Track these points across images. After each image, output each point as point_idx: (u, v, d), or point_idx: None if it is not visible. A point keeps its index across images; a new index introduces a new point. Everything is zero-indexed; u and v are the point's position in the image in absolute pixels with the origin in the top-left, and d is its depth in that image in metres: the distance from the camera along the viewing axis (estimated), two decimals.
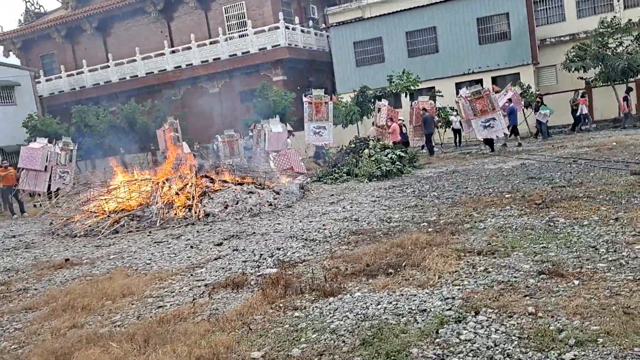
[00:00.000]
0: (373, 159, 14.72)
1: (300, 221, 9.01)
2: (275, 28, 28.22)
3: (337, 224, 8.24)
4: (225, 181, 12.36)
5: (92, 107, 28.57)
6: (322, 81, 29.52)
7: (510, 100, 19.34)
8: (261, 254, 6.80)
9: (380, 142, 15.91)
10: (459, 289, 4.57)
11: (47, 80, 35.48)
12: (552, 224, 6.47)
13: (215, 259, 6.86)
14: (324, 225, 8.32)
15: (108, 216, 10.76)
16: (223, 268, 6.39)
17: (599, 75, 21.30)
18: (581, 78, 21.90)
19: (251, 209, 10.59)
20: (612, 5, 24.65)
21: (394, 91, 23.18)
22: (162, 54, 31.29)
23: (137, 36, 32.91)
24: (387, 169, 14.02)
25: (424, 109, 18.94)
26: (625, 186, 8.18)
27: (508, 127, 18.38)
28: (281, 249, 6.97)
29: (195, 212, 10.39)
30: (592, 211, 6.81)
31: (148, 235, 9.51)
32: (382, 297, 4.57)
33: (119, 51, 33.29)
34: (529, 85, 22.28)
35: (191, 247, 7.89)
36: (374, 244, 6.49)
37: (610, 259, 4.90)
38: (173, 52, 31.07)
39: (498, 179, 11.04)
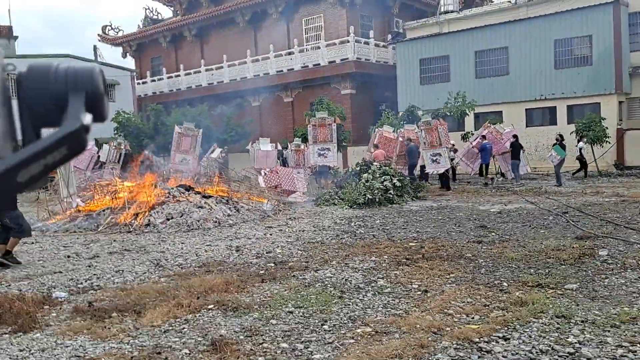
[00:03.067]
0: (368, 184, 14.06)
1: (207, 243, 8.91)
2: (345, 42, 28.11)
3: (216, 251, 8.03)
4: (198, 192, 12.61)
5: (181, 108, 30.75)
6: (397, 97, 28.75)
7: (484, 137, 18.03)
8: (93, 275, 6.84)
9: (385, 167, 15.10)
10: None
11: (151, 81, 38.96)
12: (373, 284, 5.70)
13: (55, 273, 7.04)
14: (205, 250, 8.15)
15: (73, 214, 11.53)
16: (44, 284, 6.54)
17: None
18: None
19: (192, 223, 10.68)
20: None
21: (448, 113, 21.85)
22: (245, 62, 32.70)
23: (227, 44, 34.74)
24: (371, 197, 13.28)
25: (409, 138, 17.50)
26: (543, 253, 6.93)
27: (481, 165, 17.90)
28: (119, 272, 6.95)
29: (138, 221, 10.74)
30: (434, 276, 5.87)
31: (77, 238, 10.04)
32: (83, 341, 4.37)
33: (212, 58, 35.45)
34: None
35: (68, 257, 8.17)
36: (187, 280, 6.21)
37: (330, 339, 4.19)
38: (253, 61, 32.32)
39: (444, 222, 9.97)
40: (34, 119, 0.63)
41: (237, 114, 30.74)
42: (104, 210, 11.35)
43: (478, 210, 11.74)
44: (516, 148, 17.39)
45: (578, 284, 5.41)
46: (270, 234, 9.42)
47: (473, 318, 4.48)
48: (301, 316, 4.69)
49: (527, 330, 4.12)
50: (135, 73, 36.01)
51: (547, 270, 5.99)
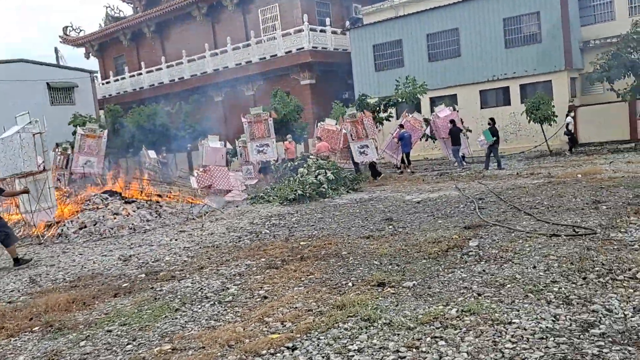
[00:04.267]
0: (301, 179, 13.95)
1: (104, 253, 8.79)
2: (300, 31, 27.82)
3: (105, 262, 7.92)
4: (123, 198, 12.46)
5: (136, 108, 30.41)
6: None
7: (401, 126, 18.16)
8: None
9: (321, 161, 14.98)
10: None
11: (114, 81, 38.52)
12: (223, 292, 5.61)
13: None
14: (94, 262, 8.04)
15: None
16: None
17: (632, 88, 18.17)
18: (612, 90, 18.85)
19: (105, 231, 10.55)
20: None
21: (400, 99, 21.68)
22: (203, 57, 32.34)
23: (186, 40, 34.30)
24: (301, 193, 13.17)
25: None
26: (417, 246, 6.86)
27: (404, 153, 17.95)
28: None
29: (50, 233, 10.59)
30: (290, 279, 5.79)
31: None
32: None
33: (173, 54, 35.03)
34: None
35: None
36: (42, 298, 6.09)
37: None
38: (212, 55, 31.97)
39: (355, 216, 9.92)
40: None
41: (200, 111, 30.50)
42: (19, 222, 11.19)
43: (401, 200, 11.66)
44: (455, 134, 17.32)
45: (420, 280, 5.35)
46: (176, 240, 9.31)
47: (284, 325, 4.40)
48: (116, 335, 4.59)
49: (322, 337, 4.04)
50: (95, 74, 35.48)
51: (403, 267, 5.92)
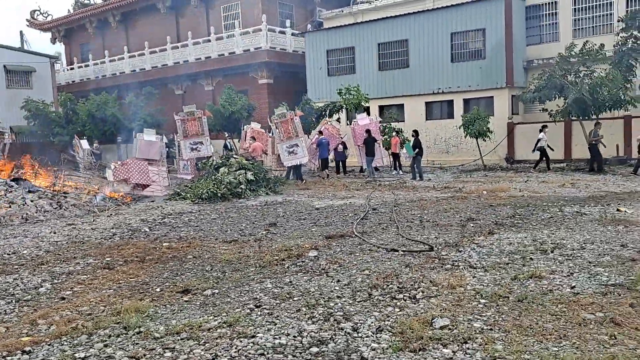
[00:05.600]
0: (219, 178, 13.98)
1: None
2: (258, 30, 27.84)
3: None
4: (29, 185, 12.36)
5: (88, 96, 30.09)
6: None
7: (320, 132, 18.50)
8: None
9: (245, 162, 15.03)
10: None
11: (78, 68, 38.10)
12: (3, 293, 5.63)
13: None
14: None
15: None
16: None
17: (562, 108, 18.50)
18: (544, 110, 19.20)
19: (26, 215, 10.46)
20: (612, 26, 21.29)
21: (343, 105, 21.83)
22: (165, 49, 32.16)
23: (149, 31, 34.07)
24: (214, 191, 13.21)
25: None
26: (261, 255, 6.96)
27: (321, 159, 18.24)
28: None
29: None
30: (97, 286, 5.84)
31: None
32: None
33: (136, 45, 34.75)
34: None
35: None
36: None
37: None
38: (173, 48, 31.82)
39: (244, 220, 10.02)
40: None
41: (159, 103, 30.34)
42: None
43: (307, 206, 11.76)
44: (369, 144, 17.56)
45: (224, 289, 5.44)
46: (54, 233, 9.28)
47: (49, 328, 4.44)
48: None
49: (65, 344, 4.10)
50: (55, 60, 35.03)
51: (224, 274, 6.01)
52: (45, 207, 11.37)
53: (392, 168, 20.07)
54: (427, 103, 23.57)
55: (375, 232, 8.24)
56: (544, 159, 18.41)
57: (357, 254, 6.76)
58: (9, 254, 7.59)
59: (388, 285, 5.32)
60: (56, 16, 40.65)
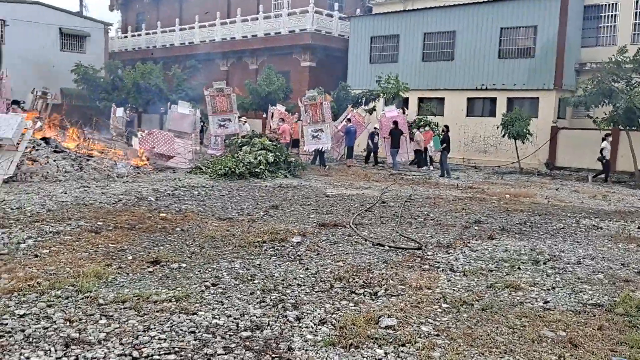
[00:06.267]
0: (239, 157, 14.06)
1: None
2: (305, 12, 27.67)
3: None
4: (55, 146, 12.79)
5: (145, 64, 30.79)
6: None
7: (349, 120, 18.14)
8: None
9: (271, 142, 15.03)
10: None
11: (131, 36, 39.07)
12: None
13: None
14: None
15: None
16: None
17: (609, 116, 17.53)
18: (589, 116, 18.26)
19: (18, 174, 10.86)
20: None
21: (381, 95, 21.47)
22: (214, 24, 32.50)
23: (201, 5, 34.50)
24: (232, 169, 13.29)
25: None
26: (259, 233, 6.96)
27: (347, 147, 17.92)
28: None
29: None
30: (75, 248, 5.95)
31: None
32: None
33: (187, 18, 35.29)
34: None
35: None
36: None
37: None
38: (222, 24, 32.10)
39: (251, 199, 10.06)
40: None
41: (203, 77, 30.76)
42: None
43: (318, 192, 11.67)
44: (395, 135, 17.18)
45: (192, 264, 5.44)
46: (65, 193, 9.56)
47: (7, 284, 4.56)
48: None
49: (13, 300, 4.19)
50: (109, 27, 36.03)
51: (201, 249, 6.02)
52: (66, 167, 11.74)
53: (423, 164, 19.61)
54: (469, 99, 22.87)
55: (371, 225, 8.07)
56: (604, 169, 17.53)
57: (341, 245, 6.63)
58: (12, 209, 7.87)
59: (354, 279, 5.19)
60: None
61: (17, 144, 10.63)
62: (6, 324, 3.73)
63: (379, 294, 4.83)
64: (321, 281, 5.11)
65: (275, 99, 23.71)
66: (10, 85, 17.85)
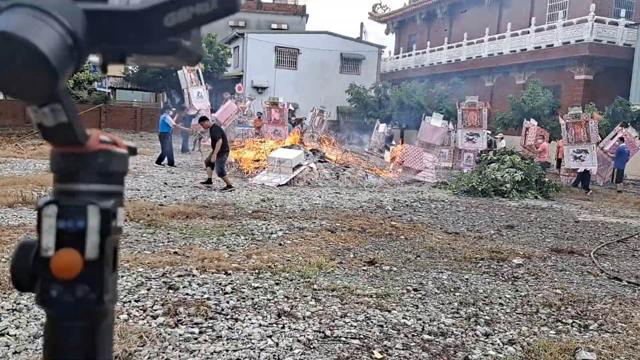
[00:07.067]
0: (485, 173, 13.86)
1: (260, 193, 11.10)
2: (583, 21, 25.25)
3: (242, 197, 10.16)
4: (322, 157, 14.73)
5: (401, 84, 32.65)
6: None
7: (622, 139, 15.48)
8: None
9: (523, 160, 14.37)
10: None
11: (403, 57, 41.52)
12: (273, 234, 7.08)
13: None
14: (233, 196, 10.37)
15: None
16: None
17: None
18: None
19: (293, 180, 12.91)
20: None
21: None
22: (482, 41, 32.24)
23: (470, 23, 34.58)
24: (475, 186, 13.16)
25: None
26: (481, 250, 7.01)
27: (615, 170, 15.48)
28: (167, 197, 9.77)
29: (251, 171, 13.54)
30: (315, 240, 6.87)
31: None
32: None
33: (455, 36, 35.84)
34: None
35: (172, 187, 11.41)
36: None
37: None
38: (490, 39, 31.62)
39: (488, 217, 9.81)
40: None
41: (465, 93, 30.86)
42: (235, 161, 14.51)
43: (567, 216, 10.75)
44: None
45: (402, 269, 5.81)
46: (319, 196, 10.99)
47: (256, 261, 5.68)
48: (178, 233, 6.62)
49: (252, 276, 5.22)
50: (382, 49, 38.94)
51: (416, 258, 6.35)
52: (326, 175, 13.39)
53: None
54: None
55: (618, 258, 7.17)
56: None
57: (568, 272, 6.14)
58: (275, 207, 9.48)
59: (566, 308, 4.83)
60: (393, 9, 44.97)
61: (296, 166, 12.90)
62: (243, 292, 4.72)
63: (590, 327, 4.42)
64: (527, 304, 4.91)
65: (539, 115, 22.30)
66: (287, 109, 21.03)
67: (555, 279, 5.83)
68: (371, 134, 27.10)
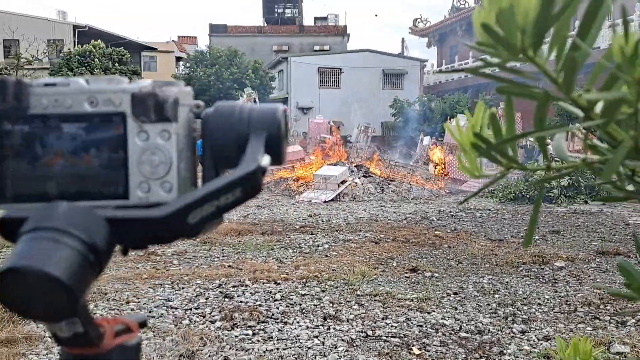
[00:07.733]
0: (533, 179, 13.78)
1: (306, 209, 11.53)
2: None
3: (290, 214, 10.59)
4: (366, 172, 15.08)
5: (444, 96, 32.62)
6: None
7: None
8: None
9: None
10: None
11: (444, 69, 41.51)
12: (320, 247, 7.46)
13: None
14: (282, 212, 10.81)
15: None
16: None
17: None
18: None
19: (336, 196, 13.31)
20: None
21: None
22: None
23: None
24: (524, 193, 13.14)
25: None
26: (523, 255, 7.16)
27: None
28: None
29: (295, 188, 14.02)
30: (364, 251, 7.19)
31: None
32: None
33: None
34: None
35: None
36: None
37: None
38: None
39: (518, 225, 9.85)
40: (215, 160, 0.57)
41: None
42: (283, 180, 15.04)
43: (617, 220, 10.61)
44: None
45: (443, 275, 6.05)
46: (364, 211, 11.31)
47: (303, 271, 6.07)
48: (230, 250, 7.11)
49: (299, 285, 5.60)
50: (424, 63, 39.09)
51: (458, 264, 6.56)
52: (371, 190, 13.70)
53: None
54: None
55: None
56: None
57: (611, 273, 6.19)
58: (322, 221, 9.87)
59: (605, 306, 4.94)
60: (434, 22, 45.17)
61: (341, 182, 13.33)
62: (292, 299, 5.11)
63: (627, 323, 4.53)
64: (566, 304, 5.05)
65: None
66: (325, 127, 21.43)
67: (598, 280, 5.91)
68: (416, 147, 27.22)
